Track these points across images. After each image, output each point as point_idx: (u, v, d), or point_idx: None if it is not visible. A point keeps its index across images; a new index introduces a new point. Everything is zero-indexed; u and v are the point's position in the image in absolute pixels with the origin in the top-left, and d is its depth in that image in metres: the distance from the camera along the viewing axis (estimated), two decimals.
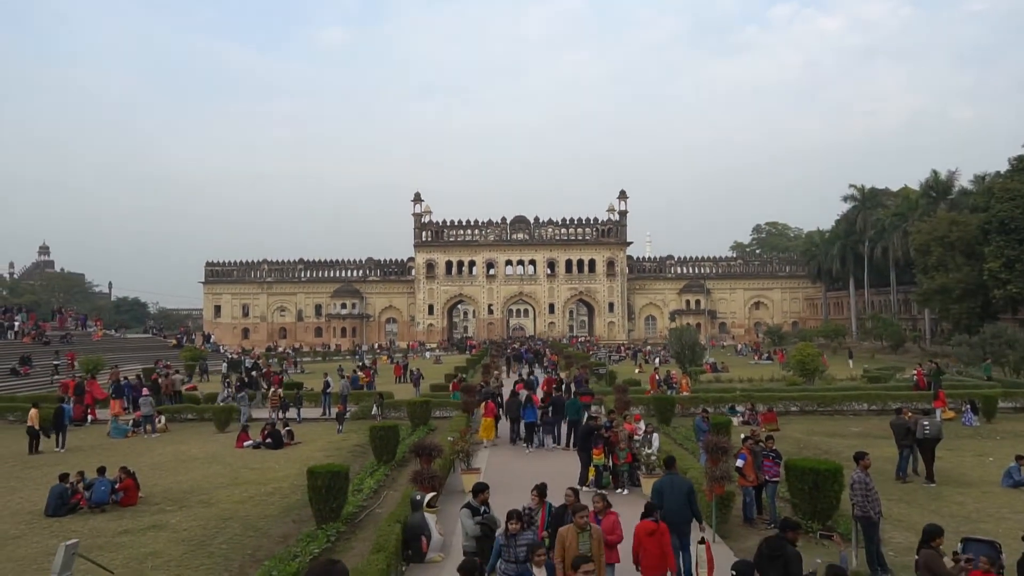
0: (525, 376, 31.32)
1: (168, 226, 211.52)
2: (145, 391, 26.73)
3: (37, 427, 21.19)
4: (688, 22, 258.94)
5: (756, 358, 56.38)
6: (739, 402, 25.35)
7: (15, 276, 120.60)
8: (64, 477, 14.55)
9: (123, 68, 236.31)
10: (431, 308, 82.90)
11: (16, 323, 50.09)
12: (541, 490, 9.54)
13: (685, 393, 28.48)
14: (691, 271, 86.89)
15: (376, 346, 77.28)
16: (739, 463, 12.25)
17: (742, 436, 14.17)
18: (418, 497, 11.40)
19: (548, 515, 9.22)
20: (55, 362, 40.96)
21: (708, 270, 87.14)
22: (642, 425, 17.73)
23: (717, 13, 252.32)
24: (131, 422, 24.38)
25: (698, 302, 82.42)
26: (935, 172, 59.74)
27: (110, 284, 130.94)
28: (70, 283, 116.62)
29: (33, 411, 21.59)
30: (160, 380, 30.66)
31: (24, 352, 41.46)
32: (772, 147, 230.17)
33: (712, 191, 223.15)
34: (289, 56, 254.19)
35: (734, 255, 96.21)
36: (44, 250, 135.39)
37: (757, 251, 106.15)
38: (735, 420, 22.25)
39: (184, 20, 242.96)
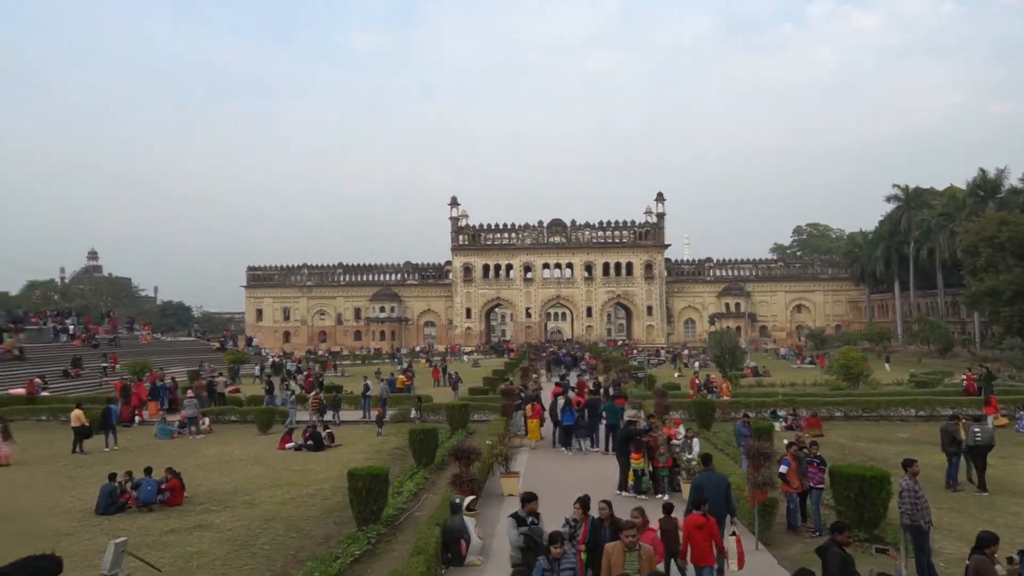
0: (560, 379, 31.26)
1: (211, 230, 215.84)
2: (190, 393, 27.29)
3: (87, 424, 21.80)
4: (720, 22, 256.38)
5: (799, 362, 55.46)
6: (781, 407, 24.94)
7: (66, 281, 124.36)
8: (113, 476, 14.92)
9: (161, 78, 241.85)
10: (469, 312, 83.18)
11: (69, 327, 51.56)
12: (584, 503, 9.23)
13: (725, 397, 28.13)
14: (730, 274, 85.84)
15: (417, 349, 77.78)
16: (782, 469, 12.05)
17: (785, 442, 13.95)
18: (457, 500, 11.43)
19: (590, 529, 9.09)
20: (103, 364, 42.06)
21: (748, 273, 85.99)
22: (682, 430, 17.57)
23: (750, 12, 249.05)
24: (177, 423, 24.89)
25: (738, 305, 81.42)
26: (983, 171, 58.14)
27: (156, 288, 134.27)
28: (117, 287, 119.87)
29: (77, 411, 22.21)
30: (204, 382, 31.29)
31: (75, 354, 42.64)
32: (811, 147, 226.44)
33: (750, 193, 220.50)
34: (317, 60, 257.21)
35: (774, 257, 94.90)
36: (92, 255, 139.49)
37: (798, 253, 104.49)
38: (777, 425, 21.89)
39: (214, 30, 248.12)
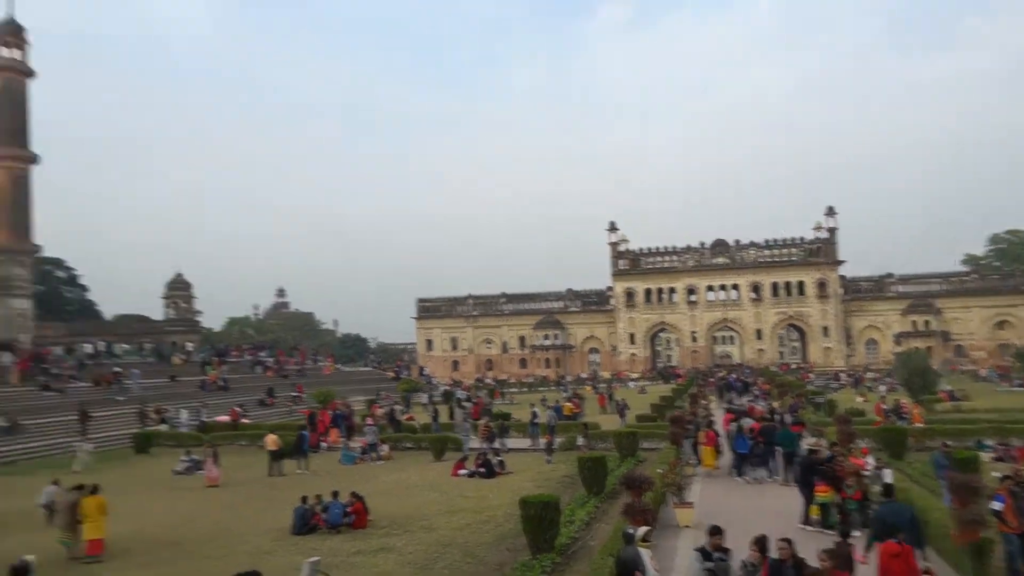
0: (730, 404, 30.04)
1: (384, 265, 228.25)
2: (370, 420, 28.82)
3: (280, 447, 23.76)
4: (893, 20, 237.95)
5: (1005, 384, 49.94)
6: (988, 435, 22.48)
7: (259, 317, 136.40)
8: (304, 499, 16.01)
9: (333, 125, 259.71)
10: (632, 337, 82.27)
11: (265, 359, 56.51)
12: (761, 544, 8.78)
13: (918, 424, 25.80)
14: (915, 289, 78.99)
15: (582, 376, 77.81)
16: (996, 506, 10.79)
17: (997, 475, 12.53)
18: (631, 530, 11.17)
19: (770, 573, 8.59)
20: (292, 394, 45.53)
21: (936, 288, 78.68)
22: (871, 459, 16.31)
23: (926, 8, 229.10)
24: (359, 450, 26.37)
25: (927, 323, 74.67)
26: None
27: (335, 321, 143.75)
28: (302, 322, 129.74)
29: (270, 437, 24.31)
30: (385, 410, 33.02)
31: (269, 385, 46.52)
32: (1007, 147, 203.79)
33: (932, 203, 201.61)
34: (476, 98, 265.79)
35: (967, 269, 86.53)
36: (280, 292, 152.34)
37: (996, 264, 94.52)
38: (985, 456, 19.72)
39: (386, 74, 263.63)
